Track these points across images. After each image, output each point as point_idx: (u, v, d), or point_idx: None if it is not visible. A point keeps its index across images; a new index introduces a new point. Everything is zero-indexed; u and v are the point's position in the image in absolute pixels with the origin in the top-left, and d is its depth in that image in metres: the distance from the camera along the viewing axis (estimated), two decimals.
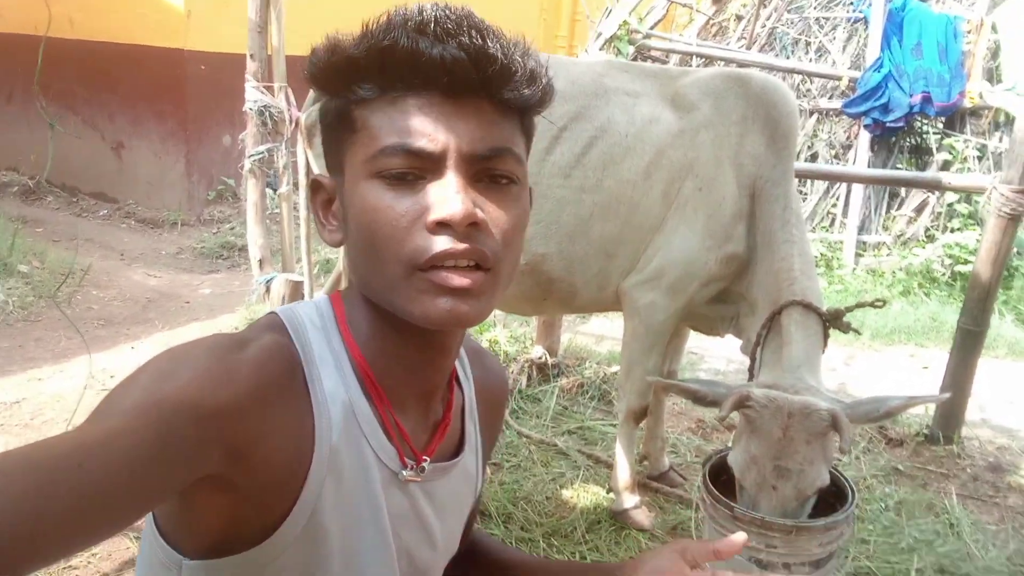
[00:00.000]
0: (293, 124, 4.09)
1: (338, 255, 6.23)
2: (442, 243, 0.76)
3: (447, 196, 0.76)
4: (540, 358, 4.02)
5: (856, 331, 2.53)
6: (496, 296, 0.83)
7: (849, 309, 2.45)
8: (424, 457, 0.91)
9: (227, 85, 6.90)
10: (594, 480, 3.19)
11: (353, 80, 0.80)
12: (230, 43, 6.82)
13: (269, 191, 4.36)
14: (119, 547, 2.53)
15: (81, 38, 7.23)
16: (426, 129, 0.77)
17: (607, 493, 3.05)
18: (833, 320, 2.44)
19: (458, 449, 0.99)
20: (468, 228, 0.77)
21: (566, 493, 3.08)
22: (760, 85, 2.71)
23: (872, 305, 2.51)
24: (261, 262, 4.20)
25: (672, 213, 2.67)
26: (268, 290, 4.13)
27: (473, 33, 0.76)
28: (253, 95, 4.00)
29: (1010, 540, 2.95)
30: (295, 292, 4.04)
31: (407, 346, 0.87)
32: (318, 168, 3.04)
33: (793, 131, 2.70)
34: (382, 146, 0.78)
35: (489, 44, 0.77)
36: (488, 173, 0.81)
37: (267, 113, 4.05)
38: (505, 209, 0.81)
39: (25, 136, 7.67)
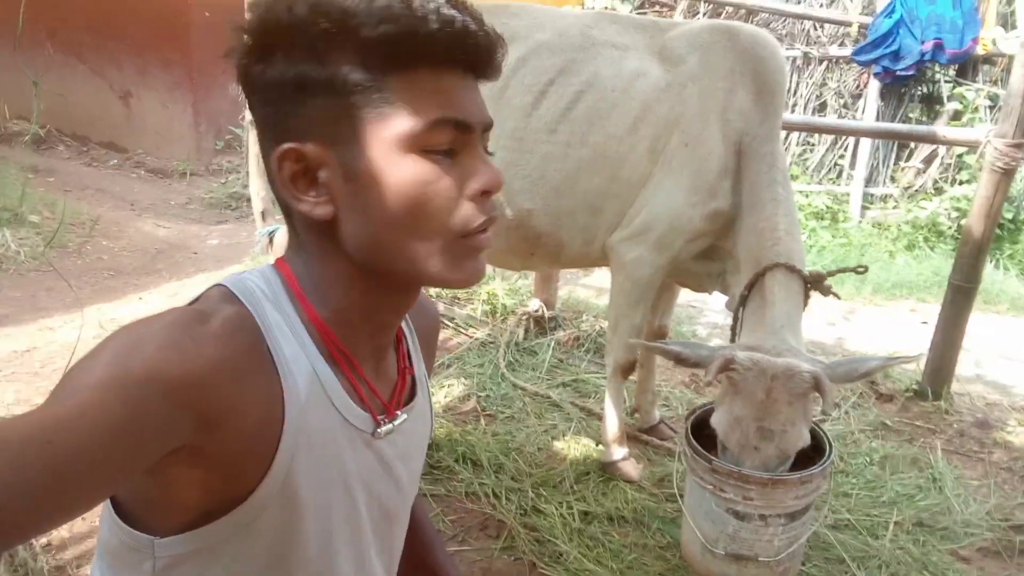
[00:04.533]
0: None
1: None
2: (484, 210, 0.84)
3: (486, 167, 0.84)
4: (537, 311, 4.06)
5: (836, 295, 2.54)
6: None
7: (831, 274, 2.47)
8: (396, 412, 0.96)
9: None
10: (586, 432, 3.25)
11: (412, 53, 0.79)
12: None
13: None
14: None
15: None
16: (466, 104, 0.83)
17: (597, 445, 3.11)
18: (815, 283, 2.46)
19: (411, 393, 1.03)
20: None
21: (557, 444, 3.15)
22: (749, 38, 2.64)
23: (855, 271, 2.52)
24: (264, 214, 4.25)
25: (658, 168, 2.66)
26: (271, 242, 4.19)
27: (472, 11, 0.83)
28: None
29: (992, 495, 2.98)
30: None
31: (383, 307, 0.91)
32: None
33: (781, 87, 2.66)
34: (432, 120, 0.80)
35: (485, 26, 0.83)
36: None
37: None
38: None
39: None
